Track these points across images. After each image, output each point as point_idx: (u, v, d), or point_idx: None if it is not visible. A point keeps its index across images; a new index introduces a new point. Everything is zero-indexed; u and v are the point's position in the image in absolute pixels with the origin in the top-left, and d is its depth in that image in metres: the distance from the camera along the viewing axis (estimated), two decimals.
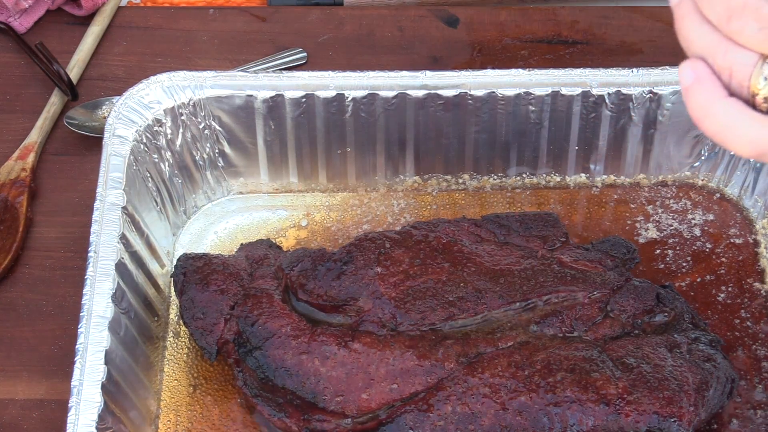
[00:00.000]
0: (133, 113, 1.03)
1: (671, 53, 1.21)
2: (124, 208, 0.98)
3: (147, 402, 0.96)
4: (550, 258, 0.99)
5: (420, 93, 1.05)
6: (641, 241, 1.07)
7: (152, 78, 1.05)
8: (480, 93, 1.05)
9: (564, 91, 1.05)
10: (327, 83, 1.05)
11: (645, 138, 1.08)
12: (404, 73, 1.05)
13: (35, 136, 1.15)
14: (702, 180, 1.11)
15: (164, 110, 1.04)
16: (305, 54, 1.21)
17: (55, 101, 1.18)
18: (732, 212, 1.09)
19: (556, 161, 1.10)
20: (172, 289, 1.03)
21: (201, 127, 1.06)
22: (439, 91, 1.05)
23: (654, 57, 1.21)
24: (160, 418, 0.97)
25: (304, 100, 1.05)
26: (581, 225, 1.08)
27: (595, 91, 1.05)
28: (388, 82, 1.05)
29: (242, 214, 1.10)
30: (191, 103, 1.05)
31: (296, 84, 1.05)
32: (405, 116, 1.06)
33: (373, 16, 1.25)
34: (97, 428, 0.87)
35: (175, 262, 1.02)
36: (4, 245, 1.08)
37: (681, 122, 1.07)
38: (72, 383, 0.89)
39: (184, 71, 1.05)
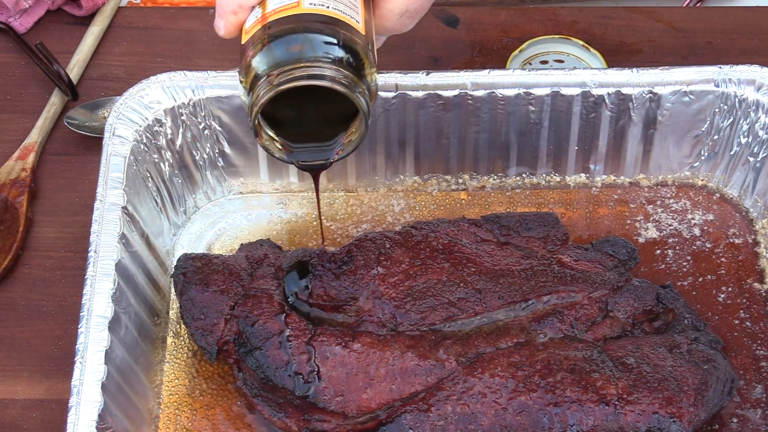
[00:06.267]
0: (133, 113, 1.03)
1: (671, 53, 1.21)
2: (124, 208, 0.98)
3: (147, 402, 0.96)
4: (550, 258, 0.99)
5: (420, 93, 1.05)
6: (641, 241, 1.07)
7: (152, 78, 1.05)
8: (480, 93, 1.05)
9: (564, 91, 1.05)
10: None
11: (645, 138, 1.08)
12: (404, 73, 1.05)
13: (35, 136, 1.15)
14: (702, 180, 1.11)
15: (164, 110, 1.04)
16: None
17: (55, 101, 1.18)
18: (732, 212, 1.09)
19: (556, 161, 1.10)
20: (172, 289, 1.03)
21: (201, 127, 1.06)
22: (439, 91, 1.05)
23: (654, 57, 1.21)
24: (160, 418, 0.97)
25: None
26: (581, 225, 1.08)
27: (595, 91, 1.05)
28: (388, 82, 1.05)
29: (242, 214, 1.09)
30: (191, 103, 1.05)
31: None
32: (405, 116, 1.06)
33: None
34: (97, 428, 0.87)
35: (175, 262, 1.02)
36: (4, 245, 1.08)
37: (681, 122, 1.07)
38: (72, 383, 0.89)
39: (184, 71, 1.05)
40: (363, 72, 0.86)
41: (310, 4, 0.86)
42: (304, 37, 0.85)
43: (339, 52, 0.86)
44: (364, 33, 0.88)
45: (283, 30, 0.86)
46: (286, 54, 0.85)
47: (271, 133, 0.91)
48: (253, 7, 0.89)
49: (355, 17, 0.88)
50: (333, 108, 0.90)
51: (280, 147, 0.91)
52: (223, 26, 0.91)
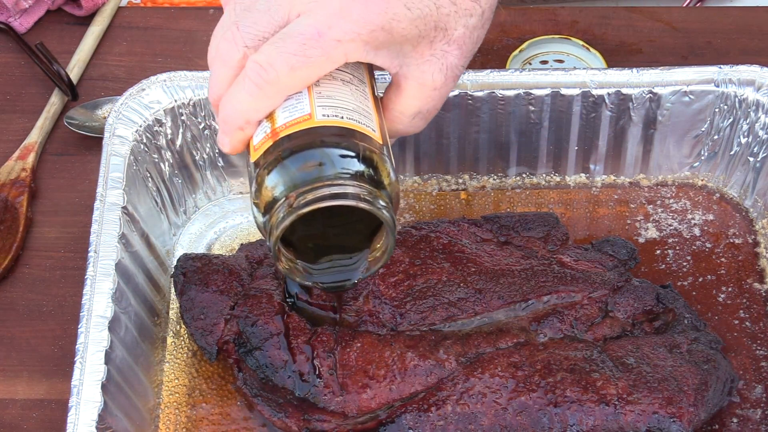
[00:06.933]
0: (133, 113, 1.03)
1: (671, 53, 1.21)
2: (124, 208, 0.98)
3: (147, 402, 0.96)
4: (550, 258, 0.99)
5: None
6: (641, 241, 1.07)
7: (152, 78, 1.05)
8: (480, 93, 1.05)
9: (564, 91, 1.05)
10: None
11: (645, 138, 1.08)
12: None
13: (35, 136, 1.15)
14: (702, 180, 1.11)
15: (164, 110, 1.04)
16: None
17: (55, 101, 1.18)
18: (732, 212, 1.09)
19: (556, 161, 1.10)
20: (172, 289, 1.03)
21: (201, 127, 1.06)
22: None
23: (654, 57, 1.21)
24: (160, 418, 0.97)
25: None
26: (581, 225, 1.08)
27: (595, 91, 1.05)
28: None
29: (242, 214, 1.09)
30: (191, 103, 1.05)
31: None
32: None
33: None
34: (97, 428, 0.87)
35: (175, 262, 1.02)
36: (4, 245, 1.08)
37: (681, 122, 1.07)
38: (72, 383, 0.89)
39: (184, 71, 1.05)
40: (383, 183, 0.80)
41: (324, 115, 0.80)
42: (321, 152, 0.79)
43: (359, 166, 0.79)
44: (380, 141, 0.82)
45: (297, 146, 0.79)
46: (303, 173, 0.78)
47: (290, 256, 0.85)
48: (260, 122, 0.82)
49: (370, 125, 0.82)
50: (354, 223, 0.84)
51: (301, 270, 0.85)
52: (228, 143, 0.83)
